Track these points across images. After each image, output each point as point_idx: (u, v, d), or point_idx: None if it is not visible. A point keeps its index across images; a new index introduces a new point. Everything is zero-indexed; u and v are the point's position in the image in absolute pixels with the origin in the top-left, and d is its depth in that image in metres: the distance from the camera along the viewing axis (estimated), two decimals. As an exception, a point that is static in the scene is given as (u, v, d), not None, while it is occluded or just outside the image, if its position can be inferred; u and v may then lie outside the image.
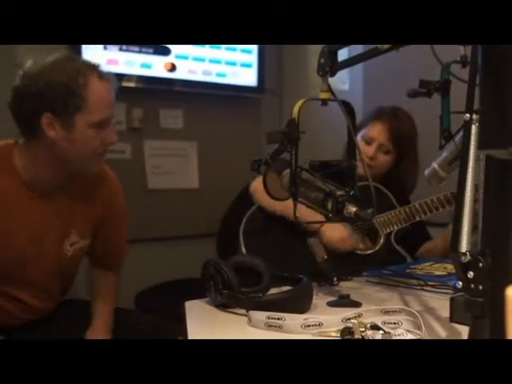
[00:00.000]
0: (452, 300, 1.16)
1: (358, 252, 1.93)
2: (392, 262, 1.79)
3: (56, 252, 1.58)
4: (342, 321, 1.10)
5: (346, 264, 1.88)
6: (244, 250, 1.89)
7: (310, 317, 1.12)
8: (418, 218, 1.91)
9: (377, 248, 1.94)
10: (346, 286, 1.52)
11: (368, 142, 2.06)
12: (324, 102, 1.31)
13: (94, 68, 1.46)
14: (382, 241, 1.94)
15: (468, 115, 0.85)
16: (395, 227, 1.93)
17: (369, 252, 1.94)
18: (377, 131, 2.05)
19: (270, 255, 1.47)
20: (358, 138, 2.09)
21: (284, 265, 1.49)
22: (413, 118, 2.10)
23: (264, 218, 1.93)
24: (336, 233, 1.83)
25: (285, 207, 1.58)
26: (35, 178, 1.51)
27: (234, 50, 3.15)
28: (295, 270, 1.43)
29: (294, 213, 1.29)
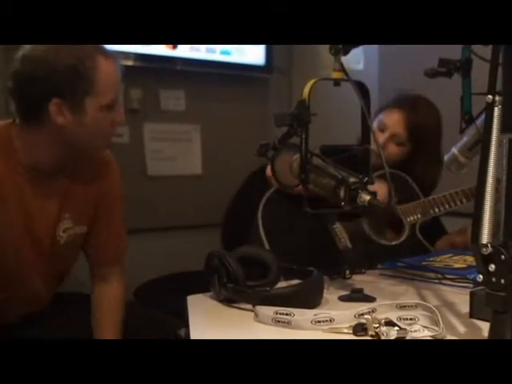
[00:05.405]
0: (472, 294, 1.17)
1: (384, 243, 1.92)
2: (416, 255, 1.78)
3: (49, 238, 1.60)
4: (355, 316, 1.10)
5: (369, 255, 1.88)
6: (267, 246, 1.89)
7: (320, 312, 1.13)
8: (442, 210, 1.90)
9: (402, 239, 1.93)
10: (359, 280, 1.52)
11: (381, 129, 2.02)
12: (336, 82, 1.31)
13: (99, 47, 1.47)
14: (407, 231, 1.93)
15: (490, 97, 0.85)
16: (419, 217, 1.91)
17: (394, 243, 1.93)
18: (392, 119, 2.02)
19: (295, 248, 1.45)
20: (374, 124, 2.05)
21: (309, 255, 1.47)
22: (437, 109, 2.04)
23: (283, 205, 1.93)
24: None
25: None
26: (35, 160, 1.53)
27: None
28: (320, 261, 1.42)
29: (304, 202, 1.29)
